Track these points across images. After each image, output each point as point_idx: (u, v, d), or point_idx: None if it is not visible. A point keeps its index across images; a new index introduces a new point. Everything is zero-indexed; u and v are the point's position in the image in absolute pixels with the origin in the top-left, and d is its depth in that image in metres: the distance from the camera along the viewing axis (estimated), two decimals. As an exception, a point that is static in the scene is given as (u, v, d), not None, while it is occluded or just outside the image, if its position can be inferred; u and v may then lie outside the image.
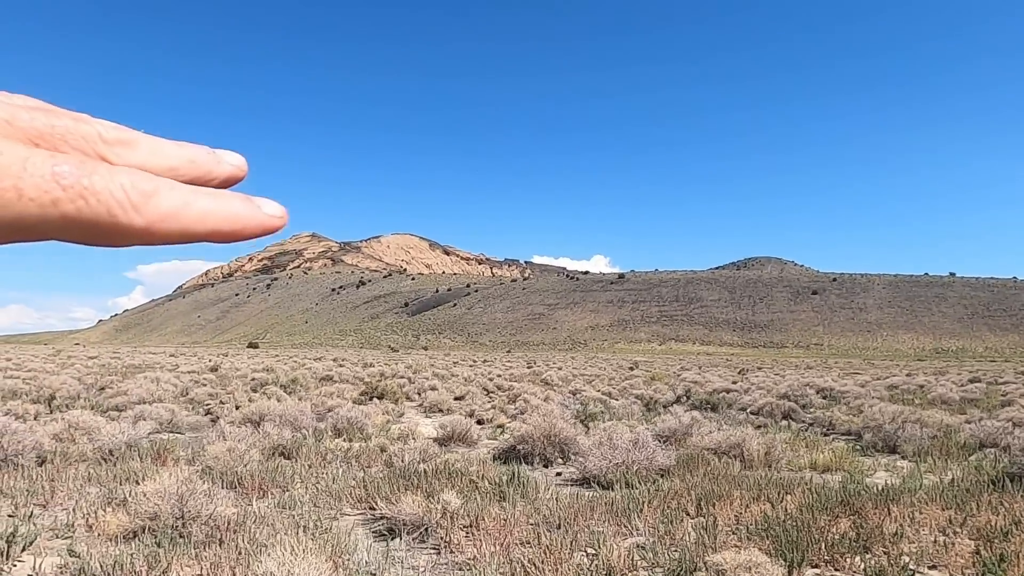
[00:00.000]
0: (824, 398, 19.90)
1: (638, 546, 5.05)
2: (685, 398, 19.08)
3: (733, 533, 5.25)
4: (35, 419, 12.05)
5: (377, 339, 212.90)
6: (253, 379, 24.79)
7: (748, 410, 16.37)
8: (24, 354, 54.34)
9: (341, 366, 38.74)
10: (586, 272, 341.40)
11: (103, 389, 18.50)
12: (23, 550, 4.67)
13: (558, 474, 8.87)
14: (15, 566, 4.58)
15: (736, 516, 5.75)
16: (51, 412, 13.45)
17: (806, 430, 13.57)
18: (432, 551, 5.24)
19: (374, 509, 6.24)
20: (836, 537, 4.97)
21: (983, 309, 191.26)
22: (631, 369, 46.81)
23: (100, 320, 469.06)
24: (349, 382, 24.92)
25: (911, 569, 4.51)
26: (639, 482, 7.45)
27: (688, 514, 5.88)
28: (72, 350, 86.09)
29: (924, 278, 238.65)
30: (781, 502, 6.13)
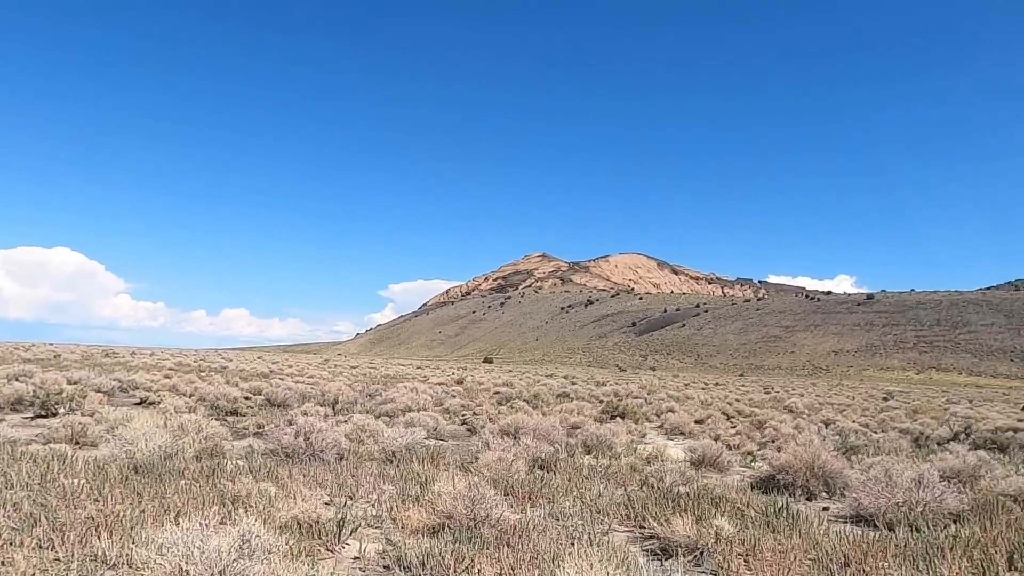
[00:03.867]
0: None
1: (945, 596, 4.62)
2: (964, 435, 16.98)
3: (1065, 594, 4.61)
4: (325, 420, 13.80)
5: (604, 358, 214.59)
6: (496, 392, 26.24)
7: (1047, 454, 14.18)
8: (300, 362, 62.28)
9: (574, 383, 39.63)
10: (828, 292, 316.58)
11: (371, 396, 20.63)
12: (350, 534, 5.39)
13: (825, 509, 8.35)
14: (344, 548, 5.30)
15: (1062, 575, 5.04)
16: (335, 414, 15.30)
17: None
18: (709, 575, 5.21)
19: (643, 528, 6.33)
20: None
21: None
22: (885, 399, 42.71)
23: (357, 333, 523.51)
24: (586, 400, 25.43)
25: None
26: (927, 526, 6.79)
27: (1001, 567, 5.25)
28: (336, 359, 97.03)
29: None
30: (1121, 565, 5.27)
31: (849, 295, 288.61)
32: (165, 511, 5.54)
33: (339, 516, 5.47)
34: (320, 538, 5.31)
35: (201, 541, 4.05)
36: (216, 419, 13.57)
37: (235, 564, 3.95)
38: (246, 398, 17.95)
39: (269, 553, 4.27)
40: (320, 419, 11.41)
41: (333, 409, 16.45)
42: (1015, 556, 5.46)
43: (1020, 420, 23.37)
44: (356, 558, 5.10)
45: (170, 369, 31.86)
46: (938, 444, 15.27)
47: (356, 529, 5.50)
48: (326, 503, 6.62)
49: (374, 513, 6.35)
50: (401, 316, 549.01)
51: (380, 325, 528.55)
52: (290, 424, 11.08)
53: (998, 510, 7.54)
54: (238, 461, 8.61)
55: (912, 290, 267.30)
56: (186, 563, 3.92)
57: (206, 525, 4.27)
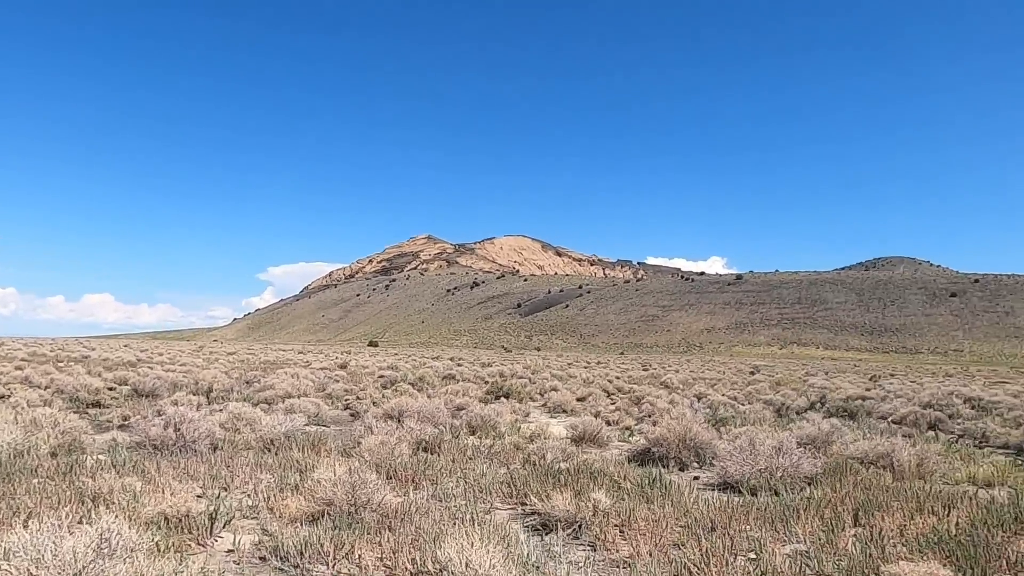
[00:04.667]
0: (972, 408, 18.59)
1: (799, 553, 4.99)
2: (820, 404, 18.36)
3: (901, 545, 5.08)
4: (198, 409, 13.16)
5: (491, 339, 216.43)
6: (381, 376, 25.90)
7: (889, 419, 15.57)
8: (172, 349, 59.10)
9: (459, 365, 39.74)
10: (702, 273, 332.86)
11: (249, 383, 19.86)
12: (223, 527, 5.18)
13: (696, 478, 8.80)
14: (216, 541, 5.09)
15: (899, 528, 5.55)
16: (209, 403, 14.62)
17: (956, 442, 12.77)
18: (588, 547, 5.37)
19: (524, 504, 6.45)
20: (1018, 555, 4.72)
21: None
22: (752, 373, 45.38)
23: (235, 319, 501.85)
24: (471, 381, 25.56)
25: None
26: (786, 489, 7.30)
27: (847, 523, 5.73)
28: (212, 346, 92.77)
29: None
30: (947, 515, 5.86)
31: (720, 276, 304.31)
32: (14, 513, 5.13)
33: (211, 508, 5.24)
34: (190, 532, 5.07)
35: (54, 543, 3.77)
36: (76, 412, 12.69)
37: (93, 565, 3.71)
38: (110, 389, 16.84)
39: (132, 551, 4.03)
40: (192, 409, 10.88)
41: (207, 398, 15.72)
42: (860, 513, 5.97)
43: (868, 389, 25.54)
44: (230, 551, 4.91)
45: (23, 360, 29.45)
46: (797, 413, 16.42)
47: (230, 521, 5.30)
48: (198, 496, 6.31)
49: (250, 504, 6.13)
50: (282, 300, 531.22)
51: (259, 310, 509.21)
52: (159, 415, 10.51)
53: (847, 472, 8.21)
54: (100, 456, 8.09)
55: (776, 270, 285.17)
56: (36, 568, 3.63)
57: (60, 526, 3.97)
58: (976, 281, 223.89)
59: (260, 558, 4.79)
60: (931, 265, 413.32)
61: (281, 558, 4.66)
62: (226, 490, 6.64)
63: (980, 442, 12.91)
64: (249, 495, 6.48)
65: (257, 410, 11.77)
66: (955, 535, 5.15)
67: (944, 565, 4.33)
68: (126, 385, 17.67)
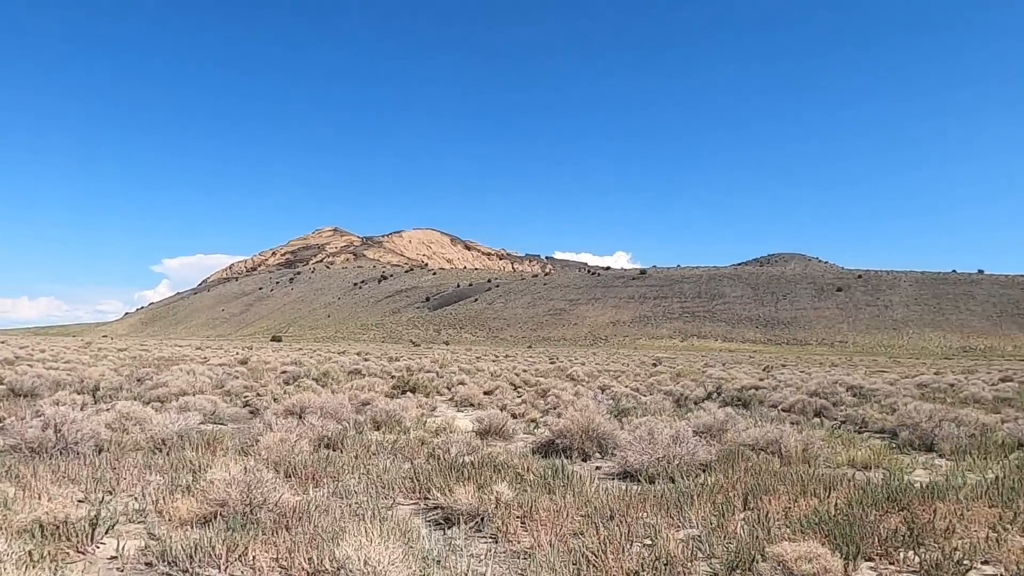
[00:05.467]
0: (854, 396, 19.82)
1: (692, 537, 5.18)
2: (716, 394, 19.12)
3: (785, 526, 5.36)
4: (82, 409, 12.40)
5: (399, 333, 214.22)
6: (284, 372, 25.18)
7: (779, 407, 16.37)
8: (56, 346, 55.47)
9: (366, 360, 39.14)
10: (608, 268, 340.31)
11: (141, 381, 18.89)
12: (106, 533, 4.90)
13: (598, 468, 9.00)
14: (98, 548, 4.81)
15: (784, 510, 5.85)
16: (96, 403, 13.80)
17: (839, 428, 13.57)
18: (490, 540, 5.40)
19: (427, 499, 6.42)
20: (888, 532, 5.07)
21: (1012, 307, 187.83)
22: (654, 365, 46.78)
23: (127, 313, 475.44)
24: (378, 376, 25.22)
25: (966, 564, 4.59)
26: (682, 476, 7.56)
27: (737, 508, 5.99)
28: (101, 342, 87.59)
29: (952, 275, 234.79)
30: (828, 497, 6.23)
31: (625, 270, 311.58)
32: None
33: (92, 514, 4.95)
34: (69, 540, 4.78)
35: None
36: (-58, 414, 11.71)
37: (-46, 579, 3.43)
38: (-18, 389, 15.64)
39: (0, 561, 3.75)
40: (76, 409, 10.24)
41: (94, 397, 14.84)
42: (749, 497, 6.25)
43: (761, 379, 26.77)
44: (113, 557, 4.65)
45: None
46: (695, 403, 17.04)
47: (114, 526, 5.02)
48: (80, 501, 5.95)
49: (137, 507, 5.83)
50: (178, 293, 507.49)
51: (154, 303, 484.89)
52: (38, 415, 9.85)
53: (739, 458, 8.59)
54: (-32, 461, 7.50)
55: (678, 265, 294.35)
56: None
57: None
58: (859, 277, 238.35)
59: (146, 563, 4.56)
60: (820, 261, 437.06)
61: (169, 563, 4.46)
62: (111, 494, 6.30)
63: (860, 427, 13.76)
64: (137, 498, 6.17)
65: (148, 409, 11.18)
66: (834, 515, 5.48)
67: (823, 544, 4.58)
68: (1, 384, 16.46)
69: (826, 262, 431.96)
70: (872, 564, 4.80)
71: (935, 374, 34.87)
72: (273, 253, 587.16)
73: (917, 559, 4.73)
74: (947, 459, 9.93)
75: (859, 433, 12.91)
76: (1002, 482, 7.12)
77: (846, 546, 4.69)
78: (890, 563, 4.79)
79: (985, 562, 4.87)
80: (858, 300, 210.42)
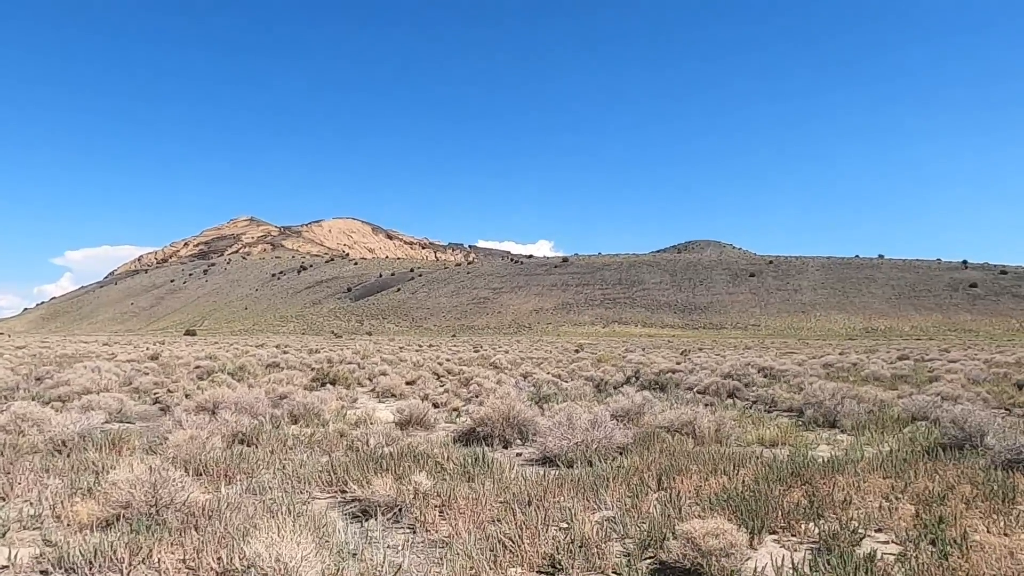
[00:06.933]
0: (765, 377, 20.65)
1: (608, 519, 5.29)
2: (635, 379, 19.56)
3: (696, 504, 5.54)
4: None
5: (320, 325, 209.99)
6: (198, 367, 24.32)
7: (695, 389, 16.88)
8: (-54, 345, 51.85)
9: (286, 352, 38.24)
10: (530, 256, 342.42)
11: (40, 380, 17.91)
12: (-3, 541, 4.62)
13: (519, 454, 9.07)
14: (-12, 558, 4.53)
15: (696, 489, 6.04)
16: (-11, 404, 12.99)
17: (750, 407, 14.10)
18: (407, 530, 5.37)
19: (345, 492, 6.33)
20: (791, 505, 5.31)
21: (909, 290, 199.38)
22: (577, 352, 47.46)
23: (25, 308, 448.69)
24: (297, 368, 24.67)
25: (860, 533, 4.85)
26: (599, 460, 7.70)
27: (651, 488, 6.15)
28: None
29: (855, 260, 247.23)
30: (737, 475, 6.47)
31: (548, 258, 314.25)
32: None
33: (-20, 522, 4.66)
34: (-46, 551, 4.49)
35: None
36: None
37: None
38: None
39: None
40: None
41: (-13, 398, 13.97)
42: (663, 478, 6.43)
43: (678, 363, 27.57)
44: (3, 567, 4.39)
45: None
46: (615, 388, 17.40)
47: (5, 534, 4.74)
48: (-32, 509, 5.60)
49: (32, 513, 5.52)
50: (83, 287, 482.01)
51: (56, 298, 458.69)
52: (-79, 420, 9.20)
53: (655, 440, 8.82)
54: None
55: (599, 253, 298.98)
56: None
57: None
58: (771, 263, 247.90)
59: (41, 572, 4.33)
60: (734, 248, 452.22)
61: (67, 569, 4.25)
62: (3, 500, 5.95)
63: (770, 407, 14.34)
64: (32, 503, 5.84)
65: (48, 409, 10.60)
66: (741, 492, 5.70)
67: (730, 519, 4.77)
68: None
69: (740, 248, 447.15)
70: (776, 536, 5.02)
71: (840, 354, 36.68)
72: (186, 244, 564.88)
73: (816, 530, 4.98)
74: (848, 434, 10.47)
75: (769, 412, 13.45)
76: (896, 454, 7.57)
77: (751, 521, 4.89)
78: (792, 535, 5.01)
79: (879, 530, 5.17)
80: (769, 285, 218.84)
